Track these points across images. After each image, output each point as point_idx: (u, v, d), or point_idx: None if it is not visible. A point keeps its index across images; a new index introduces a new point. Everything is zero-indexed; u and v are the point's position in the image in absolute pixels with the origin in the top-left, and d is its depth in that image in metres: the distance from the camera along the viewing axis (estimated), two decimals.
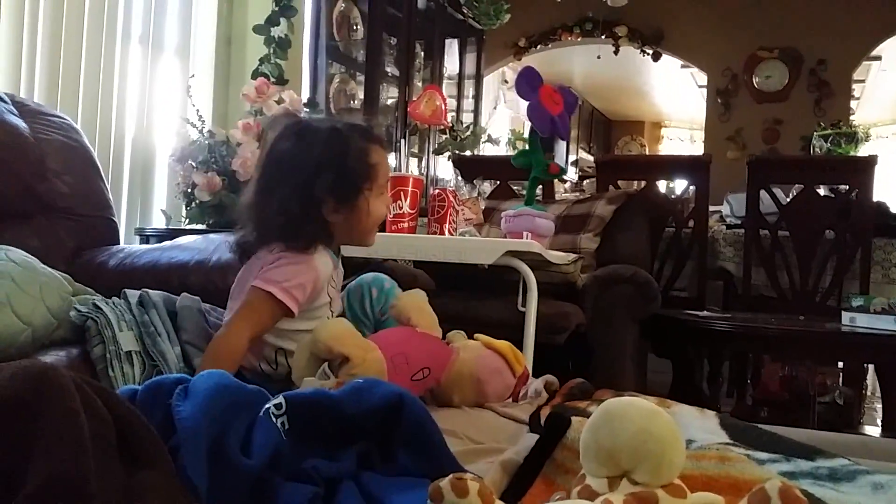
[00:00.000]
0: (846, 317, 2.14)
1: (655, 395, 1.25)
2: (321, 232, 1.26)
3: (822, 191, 2.76)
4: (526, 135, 1.99)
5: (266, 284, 1.21)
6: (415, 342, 1.19)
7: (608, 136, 9.56)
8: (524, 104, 1.86)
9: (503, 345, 1.28)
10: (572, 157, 8.01)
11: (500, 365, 1.25)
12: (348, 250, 1.51)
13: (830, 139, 4.00)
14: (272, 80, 2.65)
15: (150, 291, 1.35)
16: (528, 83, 1.84)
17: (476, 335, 1.31)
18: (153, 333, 1.26)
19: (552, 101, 1.84)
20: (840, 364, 2.97)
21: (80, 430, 0.63)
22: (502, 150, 4.56)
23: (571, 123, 7.67)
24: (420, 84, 3.98)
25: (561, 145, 7.83)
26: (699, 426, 1.02)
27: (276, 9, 2.78)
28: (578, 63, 6.95)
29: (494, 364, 1.25)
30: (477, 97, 4.70)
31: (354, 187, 1.26)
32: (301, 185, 1.22)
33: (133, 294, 1.33)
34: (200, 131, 2.33)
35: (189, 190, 2.29)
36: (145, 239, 2.38)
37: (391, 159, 3.79)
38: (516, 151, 2.13)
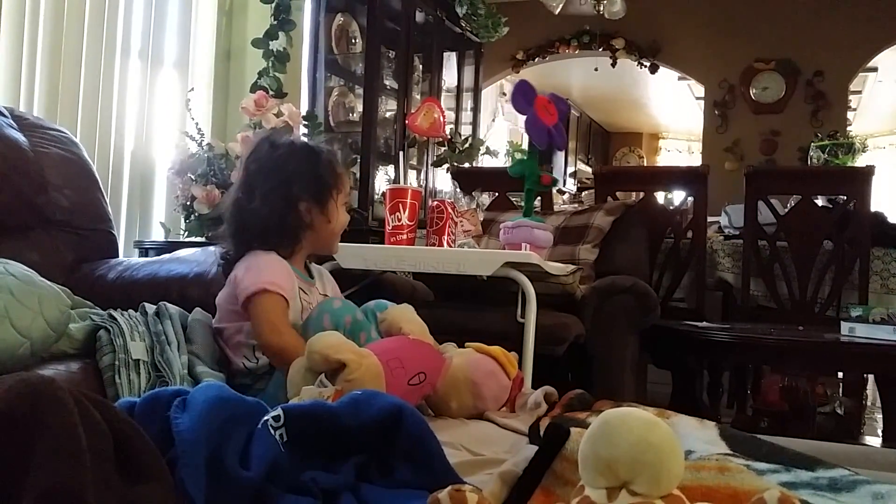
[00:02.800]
0: (845, 327, 2.14)
1: (655, 405, 1.24)
2: (298, 229, 1.39)
3: (819, 201, 2.76)
4: (525, 146, 2.00)
5: (255, 287, 1.30)
6: (408, 348, 1.20)
7: (606, 147, 9.59)
8: (522, 116, 1.87)
9: (495, 349, 1.29)
10: (570, 169, 8.03)
11: (493, 367, 1.26)
12: (348, 260, 1.52)
13: (828, 150, 4.02)
14: (271, 93, 2.66)
15: (168, 304, 1.40)
16: (524, 97, 1.85)
17: (467, 343, 1.32)
18: (164, 342, 1.30)
19: (547, 113, 1.85)
20: (840, 374, 2.96)
21: (78, 442, 0.63)
22: (501, 161, 4.57)
23: (570, 136, 7.64)
24: (419, 97, 4.00)
25: (559, 156, 7.87)
26: (699, 437, 1.02)
27: (275, 22, 2.80)
28: (576, 75, 6.98)
29: (488, 367, 1.26)
30: (475, 109, 4.71)
31: (327, 189, 1.41)
32: (281, 184, 1.37)
33: (151, 307, 1.39)
34: (199, 144, 2.33)
35: (188, 203, 2.29)
36: (144, 252, 2.38)
37: (390, 171, 3.80)
38: (513, 161, 2.14)
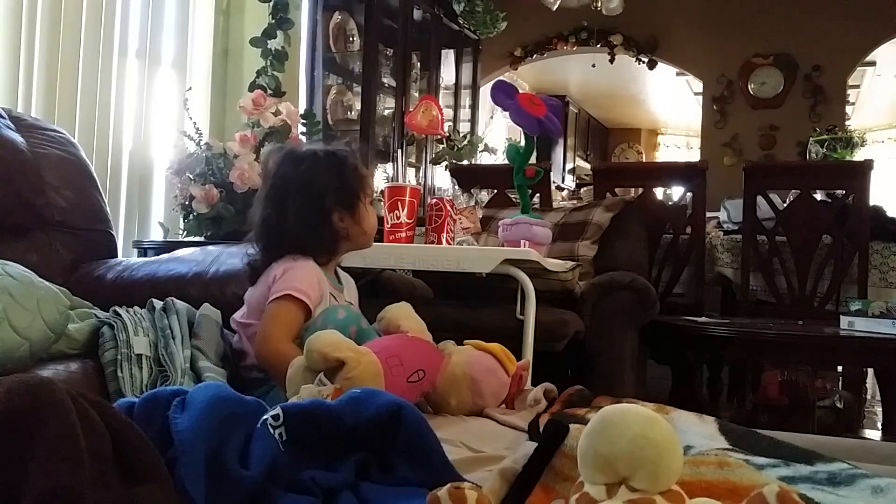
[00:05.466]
0: (844, 321, 2.14)
1: (655, 401, 1.25)
2: (333, 239, 1.42)
3: (818, 196, 2.76)
4: (523, 143, 2.00)
5: (281, 292, 1.33)
6: (407, 345, 1.20)
7: (605, 143, 9.58)
8: (506, 112, 1.87)
9: (494, 346, 1.29)
10: (569, 165, 8.03)
11: (493, 364, 1.26)
12: (347, 259, 1.52)
13: (826, 144, 4.01)
14: (269, 92, 2.65)
15: (176, 300, 1.41)
16: (504, 93, 1.85)
17: (466, 341, 1.32)
18: (168, 336, 1.31)
19: (532, 105, 1.85)
20: (839, 368, 2.96)
21: (77, 444, 0.63)
22: (499, 159, 4.57)
23: (568, 132, 7.59)
24: (417, 94, 4.00)
25: (558, 152, 7.84)
26: (698, 432, 1.02)
27: (273, 21, 2.79)
28: (574, 72, 6.97)
29: (487, 363, 1.25)
30: (473, 107, 4.71)
31: (355, 196, 1.42)
32: (311, 198, 1.38)
33: (158, 302, 1.40)
34: (198, 144, 2.33)
35: (186, 202, 2.29)
36: (143, 252, 2.38)
37: (388, 169, 3.80)
38: (509, 144, 2.15)
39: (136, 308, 1.37)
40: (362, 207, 1.43)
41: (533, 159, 2.10)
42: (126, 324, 1.28)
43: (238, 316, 1.42)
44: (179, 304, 1.40)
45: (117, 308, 1.35)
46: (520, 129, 2.03)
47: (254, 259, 1.44)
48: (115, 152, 2.45)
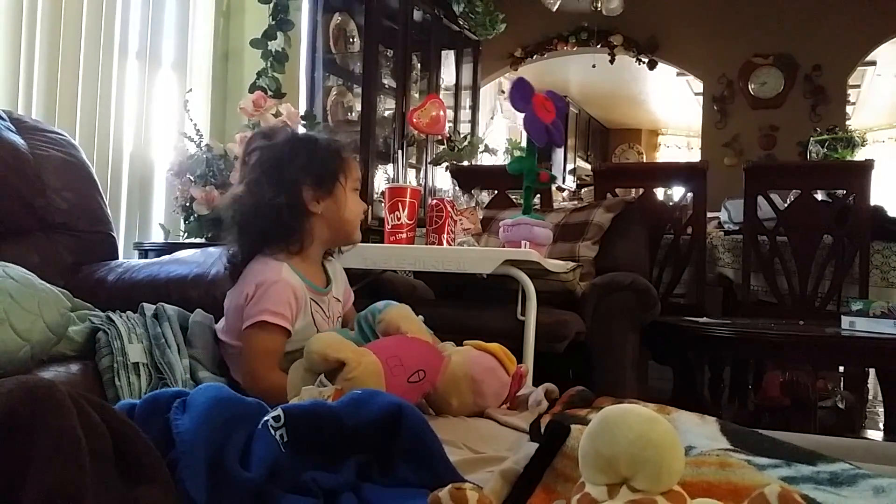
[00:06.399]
0: (846, 321, 2.14)
1: (656, 402, 1.25)
2: (306, 219, 1.32)
3: (819, 196, 2.76)
4: (523, 144, 2.00)
5: (255, 318, 1.27)
6: (407, 346, 1.20)
7: (605, 144, 9.58)
8: (520, 114, 1.87)
9: (493, 346, 1.29)
10: (570, 166, 8.03)
11: (493, 364, 1.26)
12: (347, 259, 1.51)
13: (827, 144, 4.01)
14: (269, 93, 2.66)
15: (166, 306, 1.39)
16: (522, 95, 1.85)
17: (466, 341, 1.32)
18: (163, 345, 1.29)
19: (545, 110, 1.85)
20: (841, 368, 2.96)
21: (78, 445, 0.63)
22: (500, 159, 4.58)
23: (569, 133, 7.60)
24: (417, 95, 4.00)
25: (558, 153, 7.85)
26: (699, 432, 1.02)
27: (273, 23, 2.80)
28: (574, 72, 6.97)
29: (488, 363, 1.25)
30: (474, 108, 4.71)
31: (329, 172, 1.33)
32: (282, 174, 1.30)
33: (150, 308, 1.38)
34: (198, 145, 2.34)
35: (187, 204, 2.29)
36: (144, 253, 2.38)
37: (389, 170, 3.80)
38: (511, 159, 2.14)
39: (129, 313, 1.35)
40: (341, 190, 1.34)
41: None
42: (120, 331, 1.26)
43: (220, 329, 1.37)
44: (170, 309, 1.38)
45: (111, 313, 1.33)
46: (521, 130, 2.03)
47: (231, 256, 1.36)
48: (116, 154, 2.45)
